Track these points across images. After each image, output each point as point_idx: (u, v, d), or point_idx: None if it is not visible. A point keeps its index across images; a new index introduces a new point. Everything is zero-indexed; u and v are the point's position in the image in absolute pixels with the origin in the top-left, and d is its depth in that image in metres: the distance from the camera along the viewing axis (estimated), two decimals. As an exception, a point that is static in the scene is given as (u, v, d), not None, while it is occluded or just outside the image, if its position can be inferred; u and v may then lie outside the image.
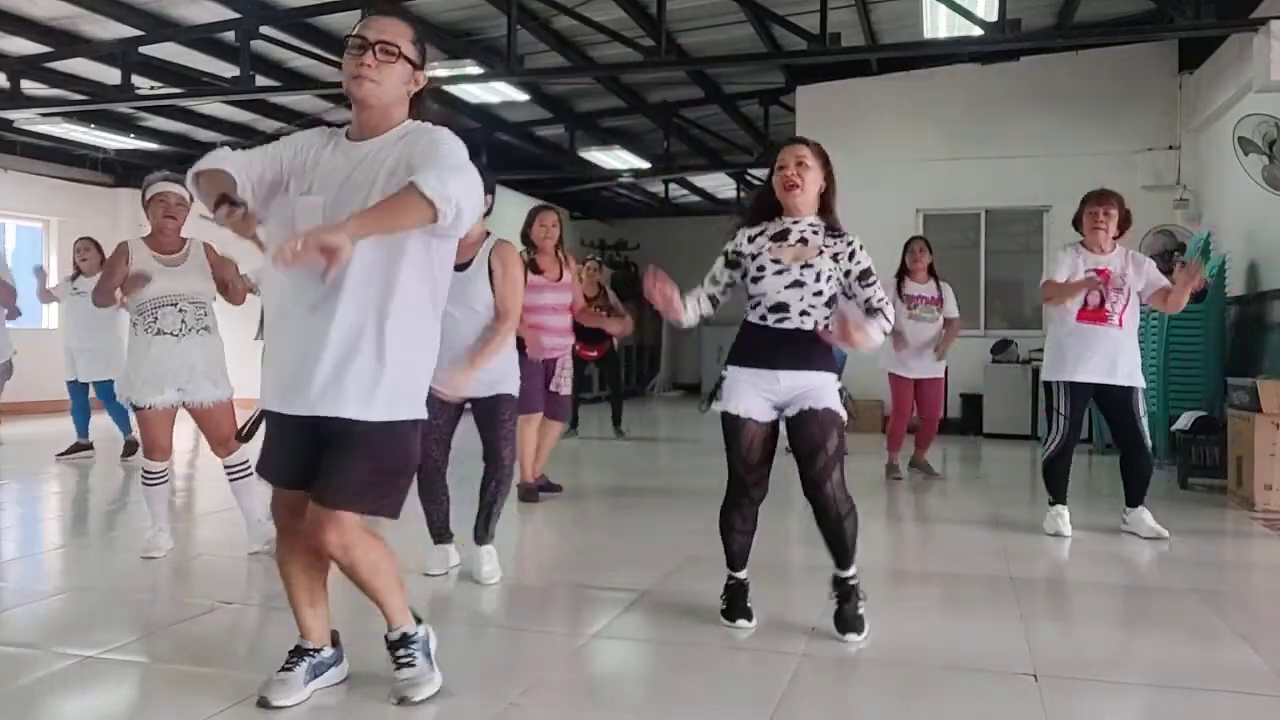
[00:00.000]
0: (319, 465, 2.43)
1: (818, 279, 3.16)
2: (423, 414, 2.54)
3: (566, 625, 3.51)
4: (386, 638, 2.64)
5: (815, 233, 3.24)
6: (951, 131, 9.91)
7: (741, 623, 3.34)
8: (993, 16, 6.99)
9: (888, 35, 8.99)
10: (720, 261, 3.37)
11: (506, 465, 3.98)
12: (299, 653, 2.66)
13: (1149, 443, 4.79)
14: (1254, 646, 3.17)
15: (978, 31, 7.14)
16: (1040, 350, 9.19)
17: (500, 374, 3.91)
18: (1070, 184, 9.40)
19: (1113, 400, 4.76)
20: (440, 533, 4.06)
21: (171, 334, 4.20)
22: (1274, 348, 6.91)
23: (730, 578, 3.41)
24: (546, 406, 5.77)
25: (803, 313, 3.17)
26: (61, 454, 7.49)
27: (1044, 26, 8.62)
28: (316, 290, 2.37)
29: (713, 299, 3.40)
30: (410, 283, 2.43)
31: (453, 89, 9.12)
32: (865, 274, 3.23)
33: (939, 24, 7.91)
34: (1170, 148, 9.35)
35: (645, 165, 12.87)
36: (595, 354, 8.89)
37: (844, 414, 3.21)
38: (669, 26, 7.88)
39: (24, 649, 3.16)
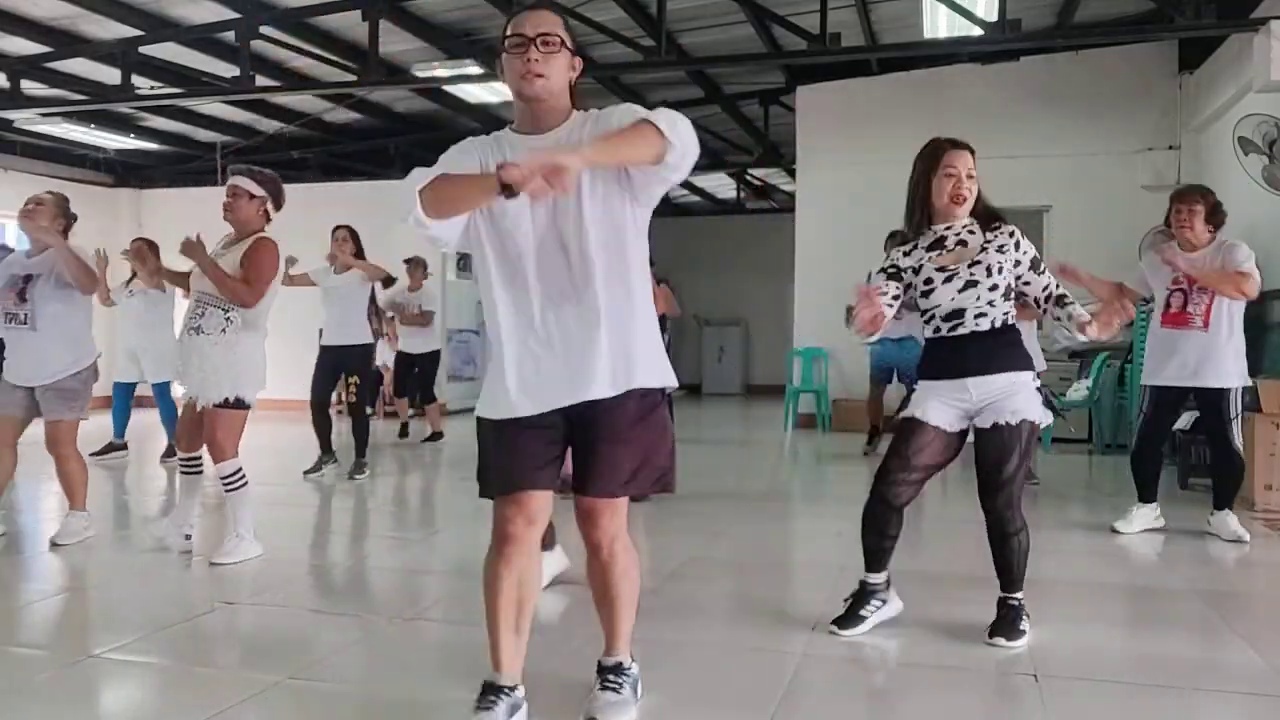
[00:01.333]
0: (542, 460, 2.35)
1: (989, 273, 3.09)
2: (673, 381, 2.49)
3: (566, 625, 3.51)
4: (601, 663, 2.58)
5: (972, 232, 3.20)
6: (951, 131, 9.68)
7: (833, 629, 3.24)
8: (993, 16, 6.99)
9: (888, 35, 8.99)
10: (880, 277, 3.21)
11: None
12: (495, 690, 2.41)
13: (1238, 446, 4.76)
14: (1254, 646, 3.17)
15: (978, 31, 7.14)
16: (1040, 350, 9.22)
17: None
18: (1070, 184, 9.49)
19: (1202, 402, 4.77)
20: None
21: (182, 330, 4.34)
22: (1274, 348, 6.91)
23: (860, 580, 3.31)
24: None
25: (978, 315, 3.10)
26: (95, 454, 7.49)
27: (1044, 26, 8.62)
28: (560, 284, 2.32)
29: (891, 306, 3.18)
30: (636, 257, 2.40)
31: (453, 89, 9.12)
32: (1035, 261, 3.18)
33: (939, 24, 7.92)
34: (1170, 148, 9.35)
35: (645, 165, 12.86)
36: None
37: (1044, 417, 3.12)
38: (669, 26, 7.88)
39: (24, 649, 3.17)
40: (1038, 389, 3.15)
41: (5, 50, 8.43)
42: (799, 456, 8.12)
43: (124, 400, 7.63)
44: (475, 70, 8.34)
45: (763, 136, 11.80)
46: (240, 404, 4.23)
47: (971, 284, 3.09)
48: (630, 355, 2.34)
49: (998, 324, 3.11)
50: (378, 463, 7.29)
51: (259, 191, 4.31)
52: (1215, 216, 4.73)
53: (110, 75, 8.66)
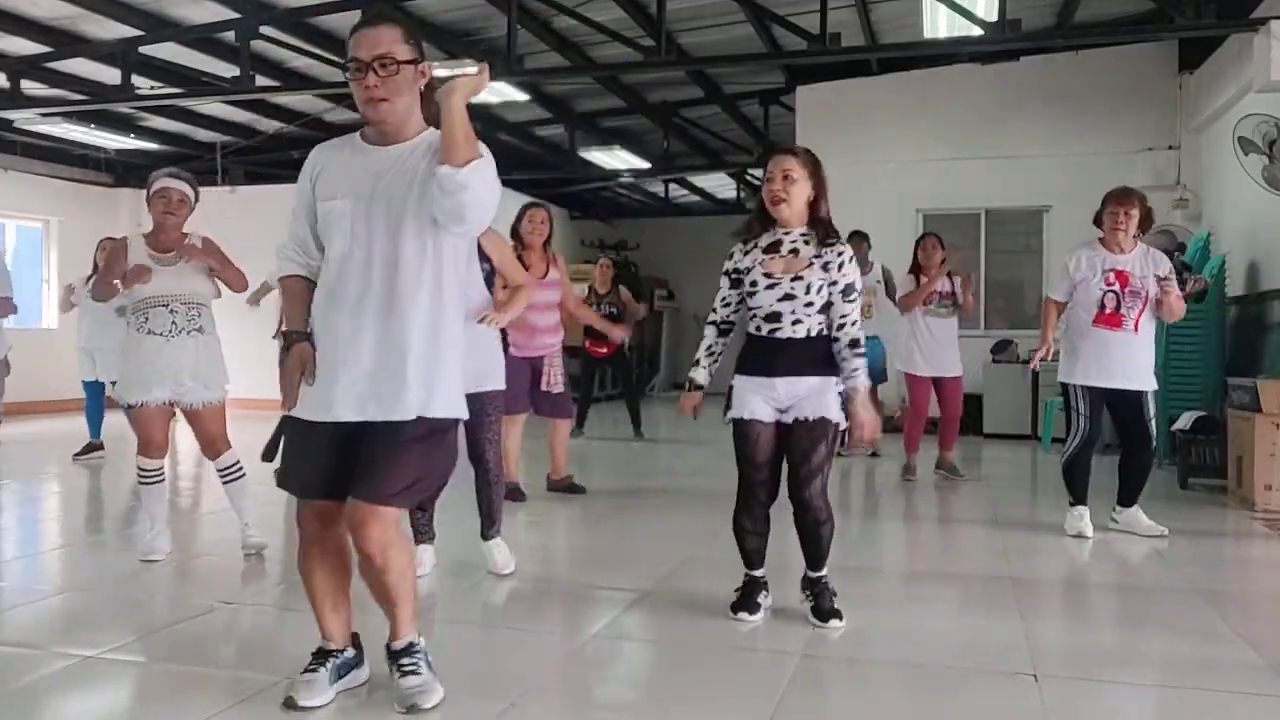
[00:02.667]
0: (351, 470, 2.45)
1: (808, 290, 3.25)
2: (464, 414, 2.59)
3: (566, 625, 3.51)
4: (389, 647, 2.62)
5: (807, 243, 3.30)
6: (951, 131, 9.91)
7: (743, 615, 3.40)
8: (993, 16, 6.99)
9: (888, 35, 8.99)
10: (725, 283, 3.47)
11: (492, 467, 4.03)
12: (323, 654, 2.65)
13: (1154, 443, 4.80)
14: (1254, 646, 3.17)
15: (978, 31, 7.14)
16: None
17: (485, 367, 3.90)
18: (1070, 184, 9.48)
19: (1124, 403, 4.76)
20: (424, 531, 4.08)
21: (160, 335, 4.14)
22: (1274, 348, 6.91)
23: (745, 574, 3.48)
24: (547, 406, 5.77)
25: (795, 322, 3.27)
26: (77, 454, 7.51)
27: (1044, 26, 8.62)
28: (371, 296, 2.43)
29: (727, 324, 3.54)
30: (451, 285, 2.50)
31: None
32: (848, 289, 3.28)
33: (939, 24, 7.91)
34: (1170, 148, 9.35)
35: (645, 165, 12.88)
36: (605, 351, 8.88)
37: (840, 418, 3.27)
38: (669, 26, 7.88)
39: (24, 649, 3.16)
40: (839, 393, 3.29)
41: (5, 50, 8.43)
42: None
43: (96, 399, 7.62)
44: (475, 70, 8.33)
45: (763, 136, 11.81)
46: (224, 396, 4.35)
47: (789, 296, 3.26)
48: (426, 380, 2.44)
49: (813, 333, 3.28)
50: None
51: (195, 199, 4.32)
52: (1147, 222, 4.82)
53: (110, 75, 8.66)
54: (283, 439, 2.66)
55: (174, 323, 4.17)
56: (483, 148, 2.41)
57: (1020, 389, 9.15)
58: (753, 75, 10.58)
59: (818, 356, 3.28)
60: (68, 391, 8.42)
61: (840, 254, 3.26)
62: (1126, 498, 4.86)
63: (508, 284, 4.04)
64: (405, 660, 2.61)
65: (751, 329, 3.36)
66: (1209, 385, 7.06)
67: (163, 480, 4.35)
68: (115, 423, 7.70)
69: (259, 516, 4.50)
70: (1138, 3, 8.14)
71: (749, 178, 15.08)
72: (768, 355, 3.30)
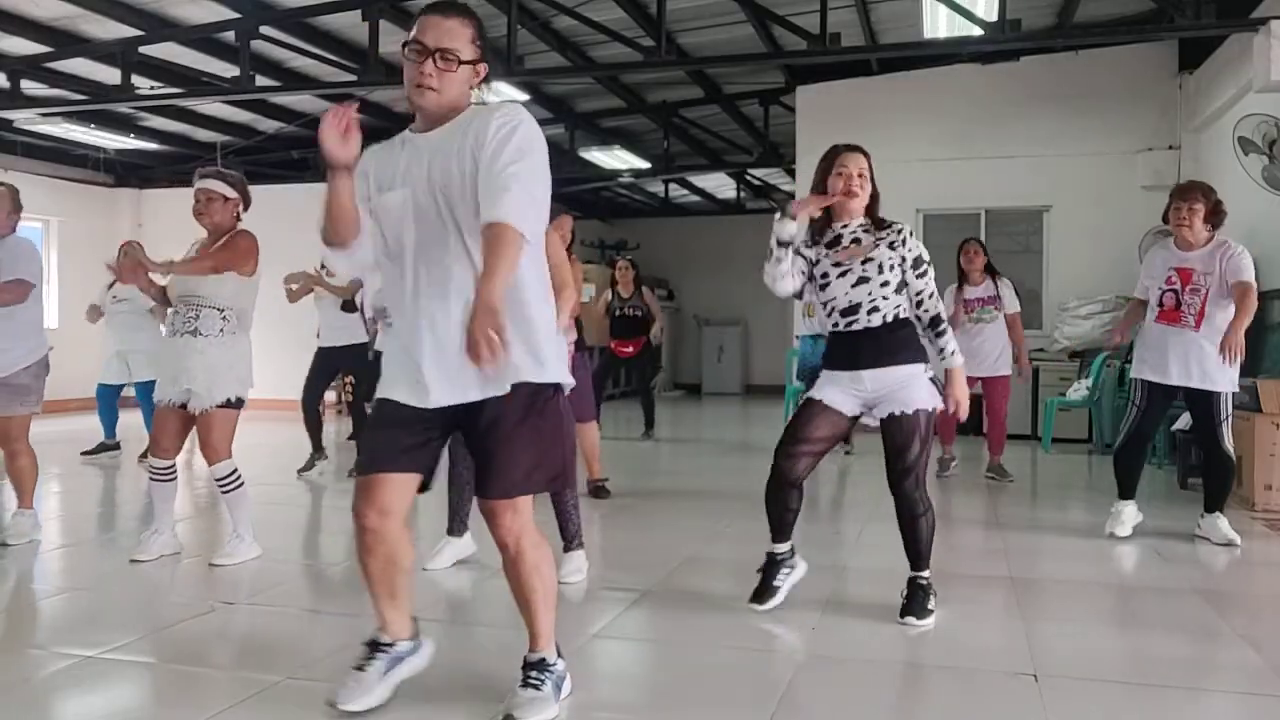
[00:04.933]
0: (425, 451, 2.44)
1: (880, 270, 3.30)
2: (567, 378, 2.51)
3: (566, 625, 3.50)
4: (525, 659, 2.58)
5: (866, 231, 3.38)
6: (951, 131, 9.90)
7: (753, 605, 3.44)
8: (993, 16, 6.99)
9: (888, 35, 8.99)
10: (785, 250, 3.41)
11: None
12: (374, 646, 2.59)
13: (1228, 450, 4.67)
14: (1254, 646, 3.17)
15: (978, 31, 7.14)
16: (1040, 350, 9.23)
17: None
18: (1070, 184, 9.49)
19: (1192, 402, 4.70)
20: (458, 524, 4.11)
21: (167, 334, 4.27)
22: (1274, 348, 6.90)
23: (767, 551, 3.53)
24: (576, 407, 5.74)
25: (871, 310, 3.29)
26: (87, 452, 7.53)
27: (1044, 26, 8.62)
28: (437, 280, 2.38)
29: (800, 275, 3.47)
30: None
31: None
32: (918, 261, 3.35)
33: (939, 24, 7.91)
34: (1170, 148, 9.35)
35: (645, 165, 12.87)
36: (631, 350, 8.90)
37: (937, 404, 3.31)
38: (669, 26, 7.88)
39: (24, 649, 3.17)
40: (930, 378, 3.32)
41: (5, 50, 8.43)
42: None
43: (109, 402, 7.63)
44: (475, 70, 8.34)
45: (763, 136, 11.80)
46: (238, 403, 4.25)
47: (864, 280, 3.29)
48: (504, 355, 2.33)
49: (889, 319, 3.31)
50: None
51: (232, 194, 4.28)
52: (1215, 216, 4.64)
53: (110, 75, 8.66)
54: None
55: (174, 323, 4.22)
56: (515, 120, 2.32)
57: (1020, 389, 9.13)
58: (753, 75, 10.58)
59: (900, 343, 3.31)
60: (68, 391, 8.41)
61: (900, 230, 3.36)
62: (1208, 504, 4.75)
63: (555, 283, 4.02)
64: (533, 674, 2.56)
65: (830, 326, 3.41)
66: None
67: (170, 480, 4.32)
68: (127, 424, 7.72)
69: (259, 520, 4.49)
70: (1138, 3, 8.14)
71: (749, 178, 15.09)
72: (851, 349, 3.34)
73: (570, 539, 4.01)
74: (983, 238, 9.97)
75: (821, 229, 3.45)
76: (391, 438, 2.45)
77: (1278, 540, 4.89)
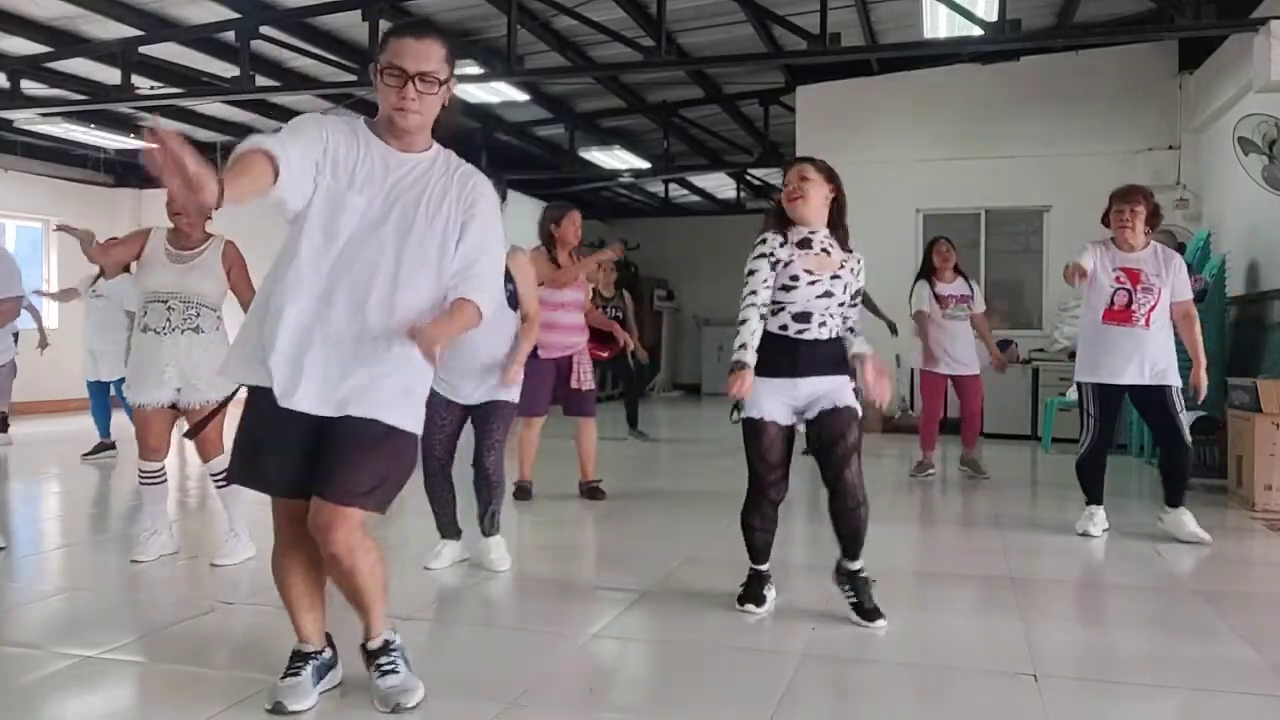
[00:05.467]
0: (315, 467, 2.42)
1: (844, 290, 3.35)
2: (420, 430, 2.57)
3: (566, 625, 3.50)
4: (365, 647, 2.62)
5: (833, 246, 3.39)
6: (951, 131, 9.91)
7: (750, 607, 3.45)
8: (993, 16, 6.99)
9: (888, 35, 8.99)
10: (765, 266, 3.33)
11: (492, 475, 4.10)
12: (301, 657, 2.63)
13: (1188, 441, 4.71)
14: (1254, 646, 3.16)
15: (978, 31, 7.14)
16: (1040, 350, 9.23)
17: (499, 378, 4.03)
18: (1070, 184, 9.49)
19: (1147, 400, 4.73)
20: (447, 528, 4.17)
21: (155, 331, 4.12)
22: (1274, 348, 6.91)
23: (751, 568, 3.53)
24: (576, 404, 5.77)
25: (822, 322, 3.32)
26: (87, 454, 7.54)
27: (1044, 26, 8.62)
28: (356, 295, 2.40)
29: (767, 307, 3.37)
30: (435, 296, 2.49)
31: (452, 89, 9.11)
32: (858, 293, 3.45)
33: (939, 24, 7.91)
34: (1170, 148, 9.35)
35: (645, 165, 12.87)
36: (606, 355, 8.88)
37: (860, 410, 3.35)
38: (669, 26, 7.88)
39: (24, 649, 3.17)
40: (855, 389, 3.37)
41: (5, 50, 8.43)
42: (796, 457, 8.10)
43: (101, 399, 7.64)
44: (475, 70, 8.34)
45: (763, 136, 11.80)
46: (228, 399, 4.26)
47: (828, 294, 3.32)
48: (380, 385, 2.42)
49: (834, 334, 3.36)
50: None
51: None
52: (1155, 218, 4.76)
53: (110, 75, 8.66)
54: (222, 425, 2.63)
55: (169, 320, 4.14)
56: (492, 204, 2.58)
57: (1020, 389, 9.15)
58: (753, 75, 10.58)
59: (837, 357, 3.37)
60: (68, 391, 8.41)
61: (859, 261, 3.43)
62: (1170, 498, 4.75)
63: (524, 311, 4.12)
64: (383, 659, 2.60)
65: (773, 328, 3.32)
66: (1209, 385, 7.03)
67: (162, 482, 4.32)
68: (123, 423, 7.72)
69: (254, 519, 4.48)
70: (1138, 3, 8.14)
71: (749, 178, 15.08)
72: (791, 355, 3.31)
73: (491, 525, 4.13)
74: (982, 238, 10.03)
75: (784, 227, 3.40)
76: (287, 457, 2.44)
77: (1278, 540, 4.89)
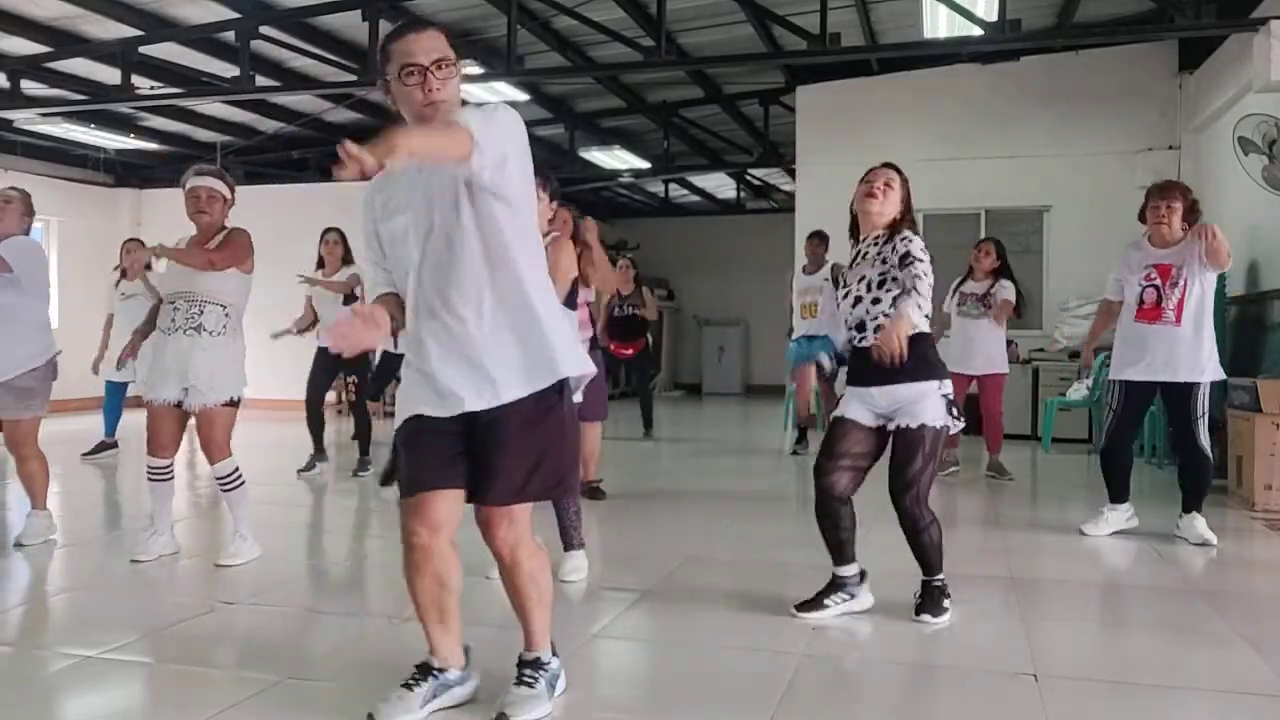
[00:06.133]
0: (462, 465, 2.43)
1: (868, 288, 3.32)
2: (571, 370, 2.47)
3: (566, 625, 3.50)
4: (520, 657, 2.60)
5: (875, 243, 3.39)
6: (951, 131, 9.90)
7: (794, 610, 3.44)
8: (993, 16, 6.99)
9: (888, 35, 8.99)
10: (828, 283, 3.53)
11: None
12: (424, 670, 2.59)
13: (1205, 448, 4.64)
14: (1254, 646, 3.17)
15: (978, 31, 7.14)
16: (1040, 350, 9.23)
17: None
18: (1070, 184, 9.49)
19: (1170, 398, 4.69)
20: (570, 538, 4.05)
21: (164, 331, 4.19)
22: (1274, 348, 6.90)
23: (831, 572, 3.52)
24: (583, 407, 5.71)
25: (876, 328, 3.28)
26: (87, 454, 7.55)
27: (1044, 26, 8.62)
28: (448, 292, 2.39)
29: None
30: (519, 261, 2.42)
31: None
32: (905, 256, 3.26)
33: (939, 24, 7.91)
34: (1170, 148, 9.35)
35: (645, 165, 12.88)
36: (630, 352, 8.90)
37: (946, 423, 3.30)
38: (669, 26, 7.88)
39: (24, 649, 3.17)
40: (943, 396, 3.30)
41: (5, 50, 8.43)
42: (799, 456, 8.11)
43: (115, 399, 7.66)
44: (475, 70, 8.34)
45: (763, 136, 11.80)
46: (237, 402, 4.27)
47: (858, 299, 3.33)
48: (500, 366, 2.38)
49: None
50: (375, 460, 7.29)
51: (229, 195, 4.29)
52: (1192, 214, 4.70)
53: (110, 75, 8.66)
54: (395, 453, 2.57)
55: (173, 320, 4.16)
56: (460, 117, 2.29)
57: (1020, 389, 9.14)
58: (753, 75, 10.58)
59: (911, 361, 3.20)
60: (67, 391, 8.35)
61: (904, 238, 3.30)
62: (1184, 502, 4.73)
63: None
64: (527, 672, 2.58)
65: (848, 339, 3.44)
66: (1209, 385, 7.03)
67: (168, 480, 4.32)
68: (130, 423, 7.73)
69: (258, 519, 4.49)
70: (1138, 3, 8.14)
71: (749, 178, 15.09)
72: (861, 364, 3.36)
73: (569, 541, 4.01)
74: (982, 238, 10.01)
75: (855, 237, 3.54)
76: (430, 453, 2.44)
77: (1278, 540, 4.89)
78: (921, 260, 3.22)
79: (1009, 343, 9.42)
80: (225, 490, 4.31)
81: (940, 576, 3.46)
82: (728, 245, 16.26)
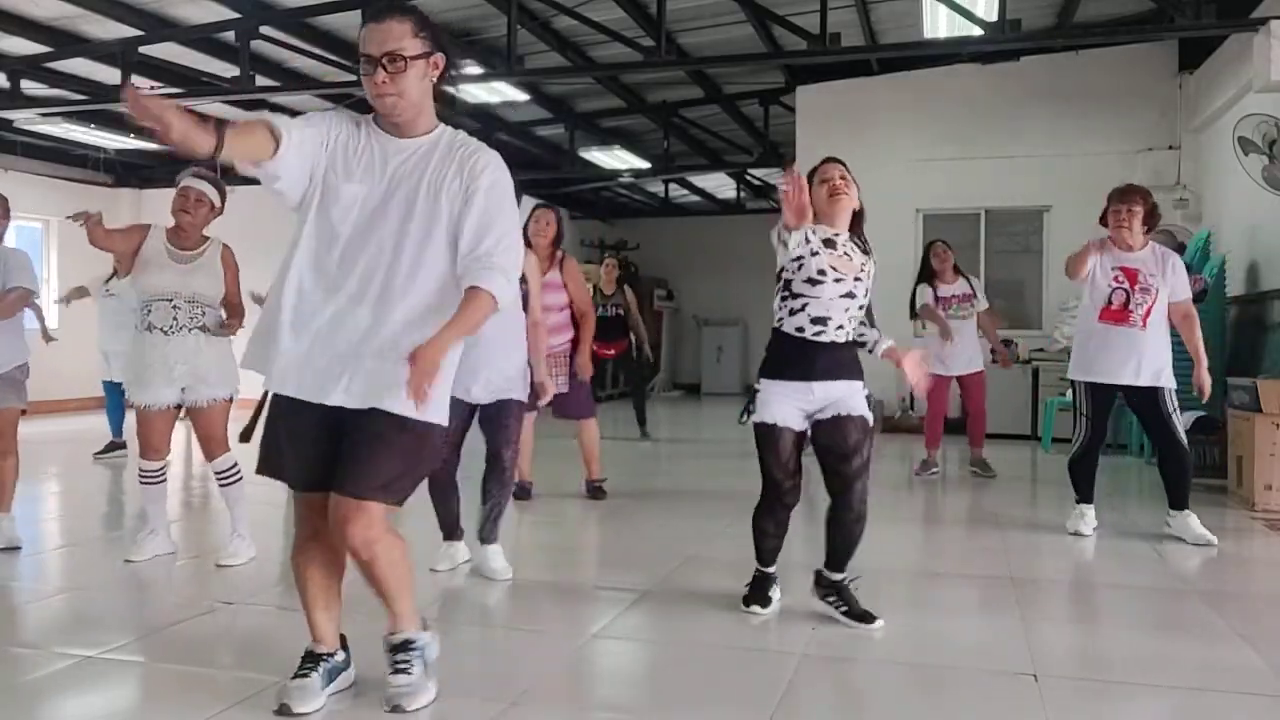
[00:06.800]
0: (335, 460, 2.42)
1: (865, 294, 3.32)
2: (445, 420, 2.53)
3: (566, 625, 3.51)
4: (387, 640, 2.60)
5: (853, 250, 3.36)
6: (951, 131, 9.90)
7: (755, 608, 3.45)
8: (993, 16, 6.99)
9: (888, 35, 8.98)
10: (799, 237, 3.18)
11: (507, 467, 4.06)
12: (313, 658, 2.62)
13: (1184, 441, 4.71)
14: (1254, 646, 3.17)
15: (978, 31, 7.14)
16: (1040, 350, 9.23)
17: (508, 381, 3.99)
18: (1070, 184, 9.48)
19: (1140, 402, 4.74)
20: (451, 530, 4.16)
21: (161, 330, 4.13)
22: (1274, 348, 6.90)
23: (758, 570, 3.53)
24: (568, 406, 5.73)
25: (839, 325, 3.28)
26: (99, 454, 7.57)
27: (1044, 26, 8.62)
28: (364, 285, 2.40)
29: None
30: (448, 279, 2.45)
31: (451, 89, 9.11)
32: (871, 272, 3.40)
33: (939, 24, 7.91)
34: (1170, 148, 9.35)
35: (645, 165, 12.87)
36: (613, 352, 8.89)
37: (872, 419, 3.32)
38: (669, 26, 7.87)
39: (24, 649, 3.17)
40: (866, 396, 3.34)
41: (5, 50, 8.42)
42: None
43: (116, 399, 7.65)
44: (475, 70, 8.34)
45: (763, 136, 11.80)
46: (232, 398, 4.30)
47: (850, 295, 3.28)
48: (397, 376, 2.35)
49: (850, 337, 3.33)
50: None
51: (219, 204, 4.30)
52: (1152, 219, 4.75)
53: (110, 75, 8.66)
54: (263, 419, 2.57)
55: (175, 319, 4.15)
56: (499, 179, 2.44)
57: (1020, 389, 9.15)
58: (753, 75, 10.57)
59: (851, 360, 3.34)
60: (66, 391, 8.39)
61: (874, 262, 3.40)
62: (1174, 501, 4.75)
63: (531, 315, 4.22)
64: (400, 657, 2.58)
65: (790, 328, 3.29)
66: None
67: (162, 482, 4.34)
68: (133, 422, 7.76)
69: (255, 519, 4.49)
70: (1138, 3, 8.13)
71: (749, 178, 15.08)
72: (807, 358, 3.26)
73: (490, 534, 4.05)
74: (982, 238, 10.02)
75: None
76: (309, 445, 2.45)
77: (1278, 540, 4.89)
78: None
79: (1010, 342, 9.48)
80: (224, 485, 4.33)
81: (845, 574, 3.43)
82: (728, 245, 16.25)
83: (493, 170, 2.48)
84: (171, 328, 4.14)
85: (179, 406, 4.22)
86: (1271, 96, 6.67)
